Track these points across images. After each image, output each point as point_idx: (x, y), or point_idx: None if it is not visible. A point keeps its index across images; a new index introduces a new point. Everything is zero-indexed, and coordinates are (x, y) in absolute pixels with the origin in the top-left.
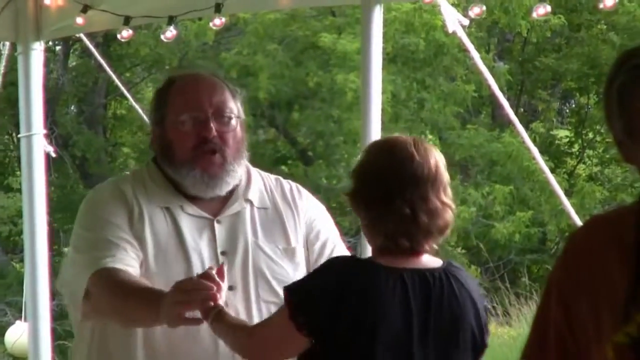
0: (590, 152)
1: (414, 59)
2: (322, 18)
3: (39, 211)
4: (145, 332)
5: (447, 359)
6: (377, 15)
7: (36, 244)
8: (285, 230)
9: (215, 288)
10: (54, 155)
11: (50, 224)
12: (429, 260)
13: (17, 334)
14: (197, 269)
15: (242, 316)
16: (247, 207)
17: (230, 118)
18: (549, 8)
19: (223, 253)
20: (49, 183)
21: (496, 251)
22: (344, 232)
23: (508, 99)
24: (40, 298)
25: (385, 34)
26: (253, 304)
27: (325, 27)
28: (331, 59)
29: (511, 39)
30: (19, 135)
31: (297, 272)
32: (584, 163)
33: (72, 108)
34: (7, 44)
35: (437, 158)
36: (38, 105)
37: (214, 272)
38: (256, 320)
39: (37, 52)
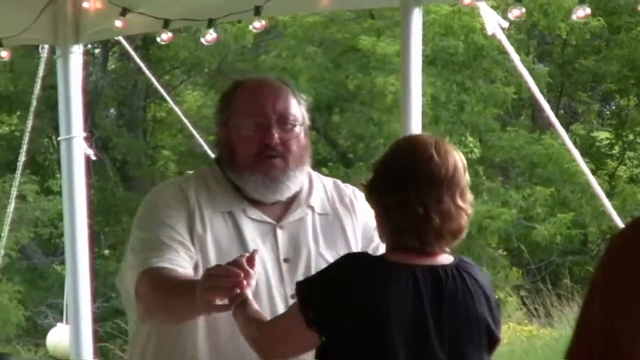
0: (631, 154)
1: (453, 61)
2: (361, 21)
3: (79, 214)
4: (207, 329)
5: (462, 353)
6: (417, 18)
7: (77, 246)
8: (346, 236)
9: (242, 275)
10: (94, 158)
11: (90, 227)
12: (441, 258)
13: (58, 337)
14: (259, 275)
15: None
16: (309, 213)
17: (293, 125)
18: (588, 10)
19: (286, 260)
20: (89, 186)
21: (537, 253)
22: None
23: (548, 101)
24: (81, 300)
25: (424, 37)
26: None
27: (365, 30)
28: (370, 61)
29: (551, 41)
30: (58, 138)
31: None
32: (625, 165)
33: (111, 111)
34: (47, 47)
35: (457, 160)
36: (77, 108)
37: (243, 260)
38: None
39: (76, 55)
